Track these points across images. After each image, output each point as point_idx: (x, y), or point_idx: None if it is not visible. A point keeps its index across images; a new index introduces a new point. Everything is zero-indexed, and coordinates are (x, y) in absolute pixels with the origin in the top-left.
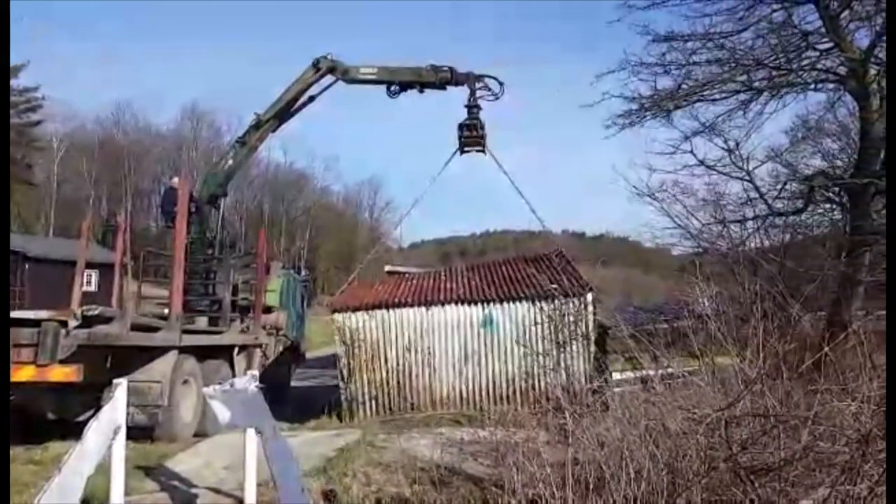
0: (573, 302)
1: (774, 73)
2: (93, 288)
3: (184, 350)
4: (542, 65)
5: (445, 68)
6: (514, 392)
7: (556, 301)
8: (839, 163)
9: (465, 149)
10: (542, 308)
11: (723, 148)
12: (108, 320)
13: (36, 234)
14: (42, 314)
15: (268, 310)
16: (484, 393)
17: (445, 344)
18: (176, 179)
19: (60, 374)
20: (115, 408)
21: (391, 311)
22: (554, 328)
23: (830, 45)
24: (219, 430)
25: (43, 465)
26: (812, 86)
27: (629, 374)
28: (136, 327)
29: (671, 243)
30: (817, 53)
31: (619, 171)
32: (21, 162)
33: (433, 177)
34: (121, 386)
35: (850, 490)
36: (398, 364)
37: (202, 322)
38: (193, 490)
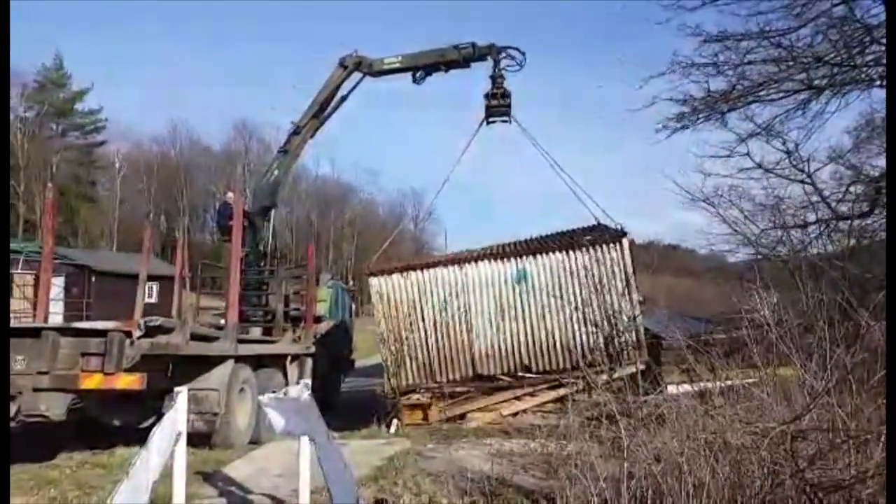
0: (608, 248)
1: (836, 70)
2: (153, 300)
3: (239, 359)
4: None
5: (467, 44)
6: (555, 345)
7: (591, 249)
8: None
9: (491, 119)
10: (576, 258)
11: (781, 150)
12: (168, 331)
13: (100, 250)
14: (108, 325)
15: (318, 319)
16: (523, 347)
17: (481, 300)
18: (230, 195)
19: (125, 381)
20: (177, 415)
21: (426, 271)
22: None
23: None
24: (273, 437)
25: (109, 468)
26: (878, 82)
27: (685, 387)
28: (194, 337)
29: (727, 250)
30: (883, 48)
31: (669, 175)
32: (85, 180)
33: (461, 151)
34: (181, 394)
35: None
36: (435, 322)
37: (256, 332)
38: (250, 496)
